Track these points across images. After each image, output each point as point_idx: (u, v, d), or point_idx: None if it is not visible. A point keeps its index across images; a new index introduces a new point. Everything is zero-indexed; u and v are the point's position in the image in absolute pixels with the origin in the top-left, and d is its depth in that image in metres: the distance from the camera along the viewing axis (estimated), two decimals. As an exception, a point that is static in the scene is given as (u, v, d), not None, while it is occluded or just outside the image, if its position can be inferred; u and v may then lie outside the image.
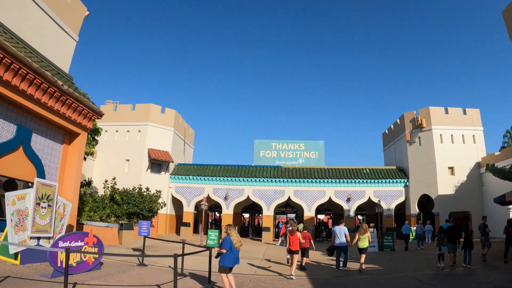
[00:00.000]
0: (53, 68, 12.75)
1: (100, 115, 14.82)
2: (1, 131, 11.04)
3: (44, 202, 10.73)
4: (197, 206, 32.58)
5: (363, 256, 12.50)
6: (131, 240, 19.34)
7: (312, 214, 30.25)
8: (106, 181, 25.54)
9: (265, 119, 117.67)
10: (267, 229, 29.07)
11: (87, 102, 13.88)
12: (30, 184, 12.10)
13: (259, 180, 30.86)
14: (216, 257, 7.92)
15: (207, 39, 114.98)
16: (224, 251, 7.70)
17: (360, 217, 36.30)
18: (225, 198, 30.70)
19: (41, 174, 12.39)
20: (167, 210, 30.39)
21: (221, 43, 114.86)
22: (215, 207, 33.90)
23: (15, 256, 10.11)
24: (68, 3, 15.86)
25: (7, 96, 10.69)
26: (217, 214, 39.50)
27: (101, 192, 26.80)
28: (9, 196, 10.05)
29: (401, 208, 30.82)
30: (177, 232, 31.39)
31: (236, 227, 32.75)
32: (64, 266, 9.45)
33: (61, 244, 9.64)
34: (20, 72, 10.63)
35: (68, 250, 7.20)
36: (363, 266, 12.50)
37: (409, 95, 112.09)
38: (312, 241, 13.22)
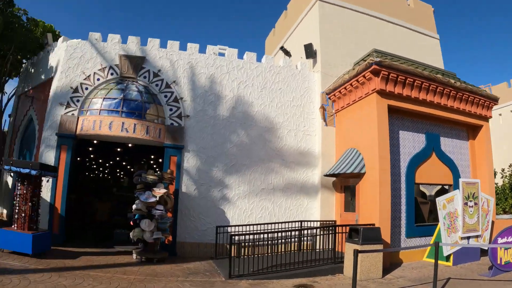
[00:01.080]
0: (437, 71, 12.90)
1: (495, 100, 13.64)
2: (414, 142, 11.98)
3: (470, 201, 10.87)
4: None
5: None
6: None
7: None
8: (503, 170, 23.31)
9: None
10: None
11: (481, 91, 13.08)
12: (446, 187, 12.42)
13: None
14: None
15: None
16: None
17: None
18: None
19: (456, 174, 12.43)
20: None
21: None
22: None
23: (447, 258, 10.45)
24: (415, 9, 17.19)
25: (412, 110, 11.61)
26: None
27: (498, 182, 24.67)
28: (440, 200, 10.63)
29: None
30: None
31: None
32: (503, 263, 9.05)
33: (500, 240, 9.27)
34: (415, 83, 11.35)
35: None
36: None
37: None
38: None
